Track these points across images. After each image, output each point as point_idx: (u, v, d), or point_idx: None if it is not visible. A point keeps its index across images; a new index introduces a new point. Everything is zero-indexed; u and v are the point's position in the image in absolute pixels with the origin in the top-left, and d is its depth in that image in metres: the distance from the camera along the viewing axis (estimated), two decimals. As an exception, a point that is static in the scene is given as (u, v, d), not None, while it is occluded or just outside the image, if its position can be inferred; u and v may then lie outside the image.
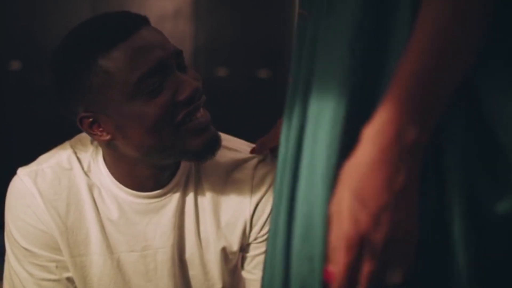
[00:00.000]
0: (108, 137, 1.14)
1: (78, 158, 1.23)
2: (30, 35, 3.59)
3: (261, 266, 1.28)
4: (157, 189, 1.22)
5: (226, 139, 1.31)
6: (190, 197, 1.24)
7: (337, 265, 0.69)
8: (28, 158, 1.28)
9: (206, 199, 1.25)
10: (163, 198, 1.22)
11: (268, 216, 1.26)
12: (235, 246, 1.27)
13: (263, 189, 1.25)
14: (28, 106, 3.61)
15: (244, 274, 1.31)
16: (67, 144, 1.26)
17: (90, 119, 1.13)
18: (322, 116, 0.76)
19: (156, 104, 1.10)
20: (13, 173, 1.24)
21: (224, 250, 1.26)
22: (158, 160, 1.17)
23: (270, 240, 0.85)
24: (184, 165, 1.24)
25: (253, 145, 1.31)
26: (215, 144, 1.17)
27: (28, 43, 3.60)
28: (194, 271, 1.27)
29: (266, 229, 1.26)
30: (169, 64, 1.11)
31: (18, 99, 3.62)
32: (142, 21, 1.14)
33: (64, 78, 1.13)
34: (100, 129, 1.14)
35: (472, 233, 0.67)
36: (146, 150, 1.14)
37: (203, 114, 1.15)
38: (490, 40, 0.70)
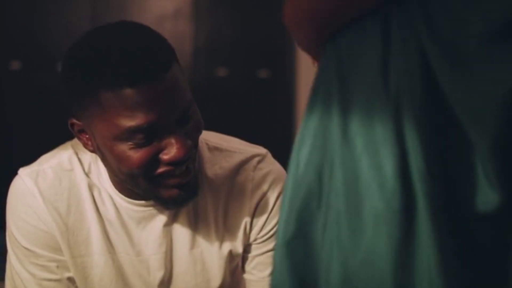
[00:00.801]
0: (91, 148, 1.15)
1: (79, 159, 1.23)
2: (30, 35, 3.59)
3: (260, 267, 1.28)
4: (147, 199, 1.20)
5: (225, 139, 1.31)
6: (188, 205, 1.22)
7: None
8: (28, 158, 1.28)
9: (209, 206, 1.24)
10: (155, 207, 1.22)
11: (267, 217, 1.26)
12: (240, 248, 1.27)
13: (262, 190, 1.25)
14: (28, 106, 3.62)
15: (244, 275, 1.31)
16: (68, 145, 1.26)
17: (79, 128, 1.13)
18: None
19: (138, 155, 1.07)
20: (13, 173, 1.24)
21: (230, 253, 1.26)
22: (134, 189, 1.17)
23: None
24: None
25: (253, 145, 1.31)
26: (187, 199, 1.15)
27: (28, 43, 3.60)
28: (196, 280, 1.26)
29: (265, 230, 1.26)
30: (164, 126, 1.06)
31: (18, 99, 3.62)
32: (166, 65, 1.06)
33: (67, 85, 1.12)
34: (87, 136, 1.14)
35: (445, 232, 0.65)
36: (120, 178, 1.14)
37: (185, 174, 1.11)
38: None
